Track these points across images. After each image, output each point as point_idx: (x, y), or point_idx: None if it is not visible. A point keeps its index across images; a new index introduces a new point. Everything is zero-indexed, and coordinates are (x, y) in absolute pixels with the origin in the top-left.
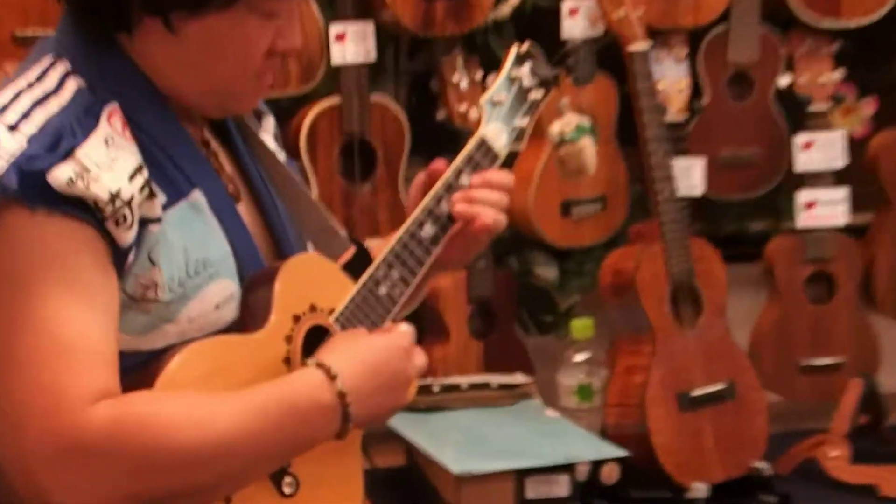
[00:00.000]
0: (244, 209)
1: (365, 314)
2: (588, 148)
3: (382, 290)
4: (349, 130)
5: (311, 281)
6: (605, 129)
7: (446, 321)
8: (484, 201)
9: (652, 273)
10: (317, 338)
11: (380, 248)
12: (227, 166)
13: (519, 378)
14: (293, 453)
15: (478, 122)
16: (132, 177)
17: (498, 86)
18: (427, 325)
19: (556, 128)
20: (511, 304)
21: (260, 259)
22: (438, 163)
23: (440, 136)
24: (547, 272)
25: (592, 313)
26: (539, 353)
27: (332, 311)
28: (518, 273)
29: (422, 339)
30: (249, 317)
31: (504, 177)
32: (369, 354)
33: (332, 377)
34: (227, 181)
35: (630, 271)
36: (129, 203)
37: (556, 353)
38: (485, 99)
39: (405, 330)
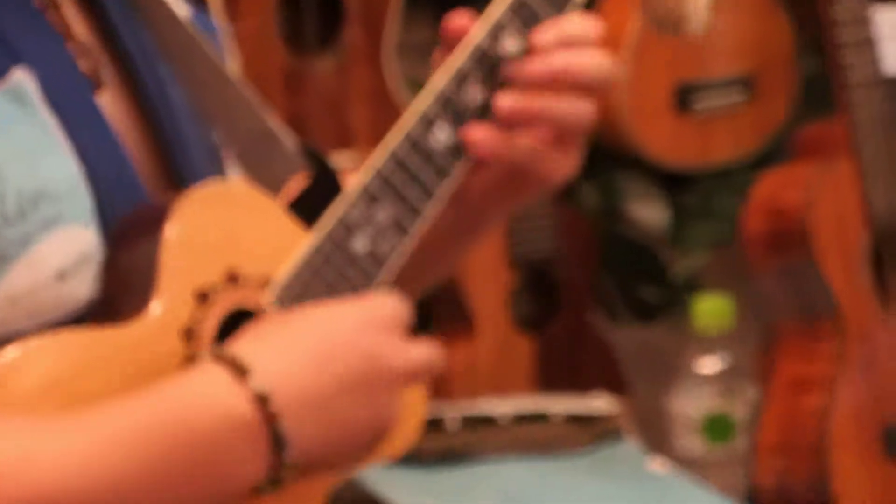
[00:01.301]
0: (111, 102)
1: (329, 287)
2: None
3: (359, 244)
4: None
5: (231, 230)
6: None
7: (471, 302)
8: (557, 78)
9: (837, 213)
10: (240, 330)
11: (355, 170)
12: (81, 29)
13: (600, 403)
14: None
15: None
16: None
17: None
18: (437, 308)
19: None
20: (586, 272)
21: (138, 189)
22: (459, 16)
23: None
24: (650, 214)
25: (731, 287)
26: (637, 357)
27: (266, 282)
28: (599, 216)
29: (427, 332)
30: (121, 293)
31: (590, 28)
32: (313, 331)
33: (240, 371)
34: (78, 53)
35: (798, 210)
36: None
37: (668, 357)
38: None
39: (386, 297)
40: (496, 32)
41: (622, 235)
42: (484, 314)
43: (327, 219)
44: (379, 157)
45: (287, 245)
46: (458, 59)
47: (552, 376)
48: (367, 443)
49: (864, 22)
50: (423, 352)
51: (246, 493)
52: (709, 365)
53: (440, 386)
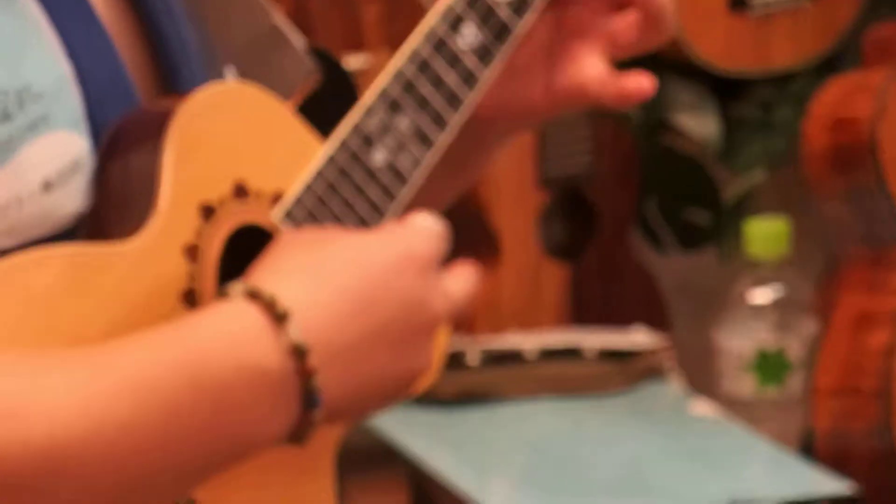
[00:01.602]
0: (104, 2)
1: (345, 204)
2: None
3: (378, 155)
4: None
5: (239, 138)
6: None
7: (495, 225)
8: None
9: None
10: (248, 251)
11: (371, 74)
12: None
13: (640, 338)
14: (205, 471)
15: None
16: None
17: None
18: (458, 232)
19: None
20: (625, 192)
21: (131, 94)
22: None
23: None
24: (699, 126)
25: (788, 210)
26: (681, 288)
27: (277, 197)
28: (641, 128)
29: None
30: (113, 207)
31: None
32: (350, 273)
33: (277, 317)
34: None
35: (866, 123)
36: None
37: (716, 288)
38: None
39: (424, 225)
40: None
41: (667, 151)
42: (510, 239)
43: (343, 127)
44: (400, 59)
45: (299, 156)
46: None
47: (586, 309)
48: (400, 392)
49: None
50: (462, 286)
51: (262, 449)
52: (762, 297)
53: (461, 319)
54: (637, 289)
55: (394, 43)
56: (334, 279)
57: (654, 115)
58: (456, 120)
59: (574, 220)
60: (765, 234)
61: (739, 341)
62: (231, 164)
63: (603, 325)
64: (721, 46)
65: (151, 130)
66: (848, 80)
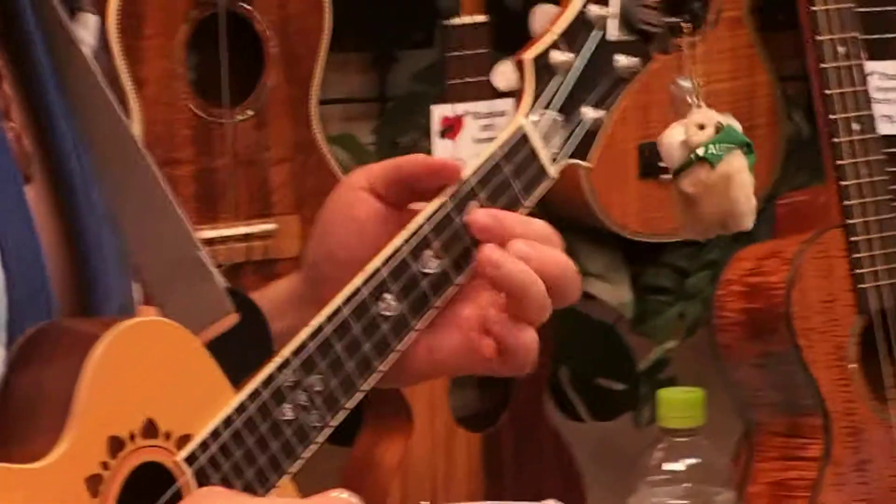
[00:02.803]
0: (34, 198)
1: (247, 454)
2: (739, 175)
3: (287, 411)
4: None
5: (155, 375)
6: (733, 2)
7: (406, 392)
8: (522, 252)
9: (824, 292)
10: (147, 487)
11: (285, 309)
12: (16, 109)
13: None
14: None
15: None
16: None
17: (558, 33)
18: (370, 399)
19: (676, 137)
20: (540, 359)
21: (50, 305)
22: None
23: (400, 9)
24: (612, 292)
25: (702, 378)
26: (595, 457)
27: (184, 439)
28: None
29: (356, 428)
30: (21, 423)
31: (550, 233)
32: None
33: None
34: (12, 139)
35: (778, 289)
36: None
37: (630, 457)
38: (531, 54)
39: (341, 499)
40: (462, 202)
41: (580, 318)
42: (421, 407)
43: (258, 378)
44: (322, 317)
45: (210, 398)
46: (416, 222)
47: (499, 478)
48: None
49: (855, 77)
50: None
51: None
52: (673, 466)
53: (373, 486)
54: (551, 457)
55: (301, 207)
56: None
57: None
58: (367, 385)
59: (486, 388)
60: (679, 404)
61: None
62: (144, 401)
63: (516, 498)
64: (632, 212)
65: (71, 352)
66: (761, 248)
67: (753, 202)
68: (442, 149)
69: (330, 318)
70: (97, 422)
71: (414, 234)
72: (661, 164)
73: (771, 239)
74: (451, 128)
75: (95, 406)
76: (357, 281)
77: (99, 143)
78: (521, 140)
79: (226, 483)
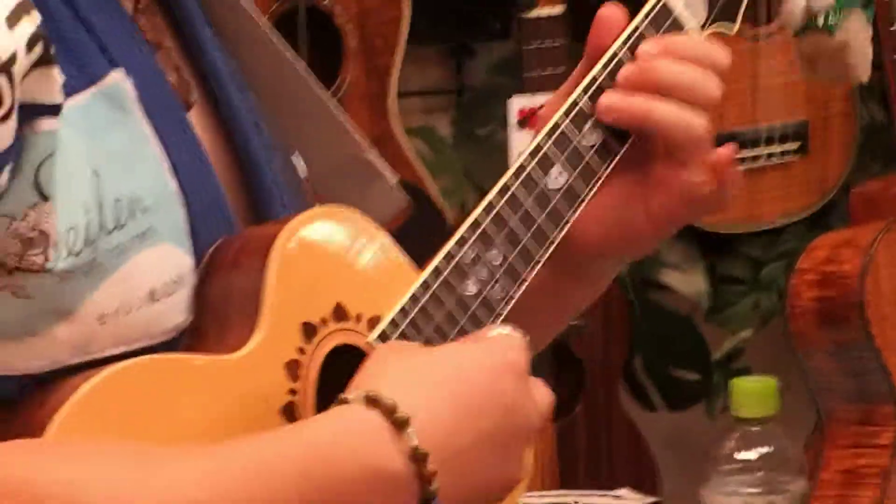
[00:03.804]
0: (197, 123)
1: (437, 330)
2: (857, 38)
3: (470, 285)
4: None
5: (339, 261)
6: None
7: None
8: (670, 82)
9: None
10: (344, 369)
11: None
12: (173, 48)
13: (627, 501)
14: None
15: None
16: (13, 19)
17: None
18: None
19: (797, 1)
20: (614, 349)
21: (227, 215)
22: (609, 12)
23: (478, 1)
24: (687, 282)
25: (777, 366)
26: (669, 445)
27: (374, 321)
28: (630, 285)
29: None
30: (216, 322)
31: (707, 48)
32: (457, 380)
33: (398, 423)
34: (169, 70)
35: (853, 278)
36: (5, 66)
37: (703, 446)
38: None
39: (511, 335)
40: (613, 72)
41: (656, 308)
42: None
43: (438, 257)
44: (494, 195)
45: (395, 280)
46: (577, 95)
47: (574, 466)
48: (501, 496)
49: None
50: (547, 395)
51: None
52: (747, 454)
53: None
54: (625, 446)
55: None
56: (443, 387)
57: (641, 270)
58: (544, 255)
59: (561, 377)
60: (753, 393)
61: (728, 499)
62: (331, 287)
63: (590, 486)
64: None
65: (254, 251)
66: (836, 237)
67: (870, 56)
68: (519, 140)
69: (501, 194)
70: (288, 310)
71: (570, 107)
72: (738, 155)
73: (845, 228)
74: (528, 119)
75: (284, 296)
76: (522, 157)
77: (260, 76)
78: (663, 10)
79: None
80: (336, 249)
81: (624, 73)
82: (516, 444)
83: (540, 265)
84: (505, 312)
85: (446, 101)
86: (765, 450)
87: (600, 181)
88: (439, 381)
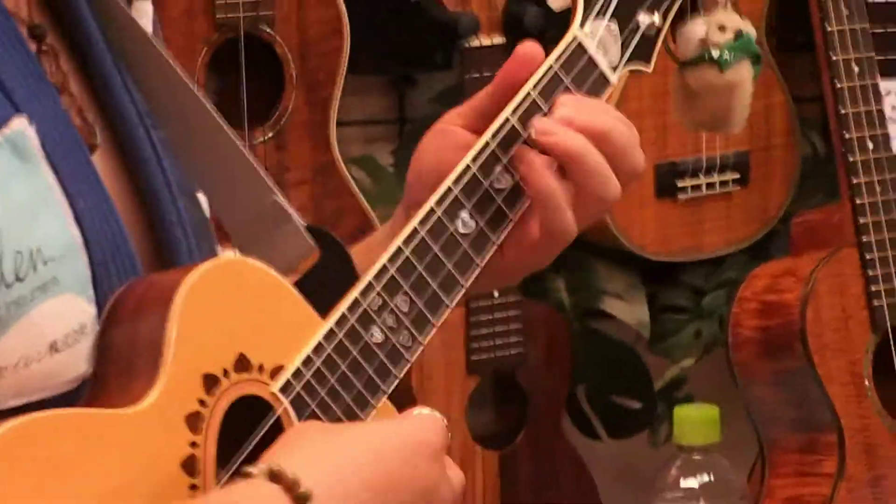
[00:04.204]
0: (102, 166)
1: (343, 378)
2: (746, 83)
3: (376, 333)
4: (228, 19)
5: (242, 311)
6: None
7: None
8: (592, 130)
9: (838, 310)
10: (246, 420)
11: (373, 246)
12: (75, 83)
13: None
14: None
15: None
16: None
17: None
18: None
19: (696, 31)
20: (558, 377)
21: (132, 262)
22: (527, 49)
23: (419, 31)
24: (627, 311)
25: (718, 396)
26: (613, 474)
27: (277, 370)
28: (572, 314)
29: None
30: (118, 372)
31: (613, 114)
32: (368, 459)
33: (299, 499)
34: (73, 112)
35: (794, 307)
36: None
37: (647, 474)
38: None
39: (431, 416)
40: (525, 115)
41: (598, 337)
42: None
43: (344, 304)
44: (401, 241)
45: (299, 329)
46: (483, 140)
47: (515, 497)
48: None
49: (871, 96)
50: (460, 476)
51: None
52: (689, 483)
53: None
54: (569, 475)
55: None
56: (353, 465)
57: (584, 301)
58: (455, 300)
59: (504, 407)
60: (695, 421)
61: None
62: (233, 337)
63: None
64: (650, 233)
65: (157, 300)
66: (777, 266)
67: (747, 112)
68: None
69: (407, 240)
70: (189, 361)
71: (481, 150)
72: (679, 185)
73: (786, 257)
74: None
75: (186, 346)
76: (431, 202)
77: (170, 115)
78: (578, 49)
79: (323, 407)
80: (238, 299)
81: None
82: None
83: (449, 310)
84: (413, 360)
85: (388, 130)
86: (707, 478)
87: (510, 224)
88: (348, 460)
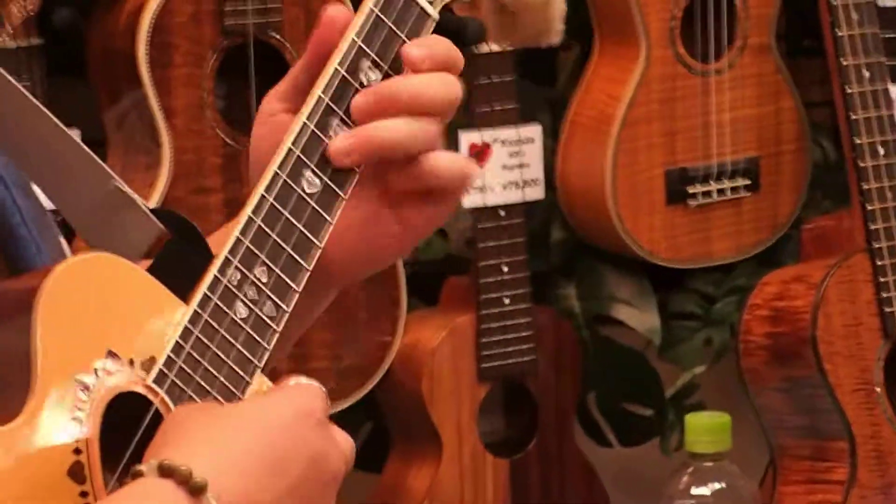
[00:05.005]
0: None
1: (216, 357)
2: None
3: (240, 307)
4: (236, 25)
5: (102, 308)
6: (759, 29)
7: (434, 420)
8: (415, 101)
9: (849, 317)
10: (127, 417)
11: (226, 229)
12: None
13: None
14: None
15: None
16: None
17: None
18: (398, 425)
19: None
20: (567, 385)
21: None
22: (331, 12)
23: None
24: (640, 318)
25: (728, 403)
26: (623, 482)
27: (151, 363)
28: (582, 321)
29: (385, 454)
30: None
31: (449, 49)
32: (255, 436)
33: (195, 490)
34: None
35: (805, 314)
36: None
37: (657, 482)
38: None
39: (309, 384)
40: (353, 63)
41: (608, 344)
42: (450, 433)
43: (204, 284)
44: (249, 210)
45: (163, 316)
46: (315, 95)
47: (527, 503)
48: None
49: (881, 102)
50: (349, 441)
51: None
52: (700, 490)
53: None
54: (578, 482)
55: None
56: (241, 445)
57: (593, 307)
58: (312, 260)
59: (514, 418)
60: (706, 429)
61: None
62: (99, 335)
63: None
64: (659, 239)
65: (17, 309)
66: (787, 272)
67: (562, 24)
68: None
69: (257, 209)
70: (61, 367)
71: (314, 106)
72: (690, 191)
73: (797, 264)
74: (479, 154)
75: (54, 353)
76: (273, 165)
77: (2, 118)
78: None
79: (200, 392)
80: (98, 296)
81: (357, 103)
82: (323, 493)
83: (307, 273)
84: (280, 329)
85: None
86: (719, 485)
87: (355, 176)
88: (236, 441)
